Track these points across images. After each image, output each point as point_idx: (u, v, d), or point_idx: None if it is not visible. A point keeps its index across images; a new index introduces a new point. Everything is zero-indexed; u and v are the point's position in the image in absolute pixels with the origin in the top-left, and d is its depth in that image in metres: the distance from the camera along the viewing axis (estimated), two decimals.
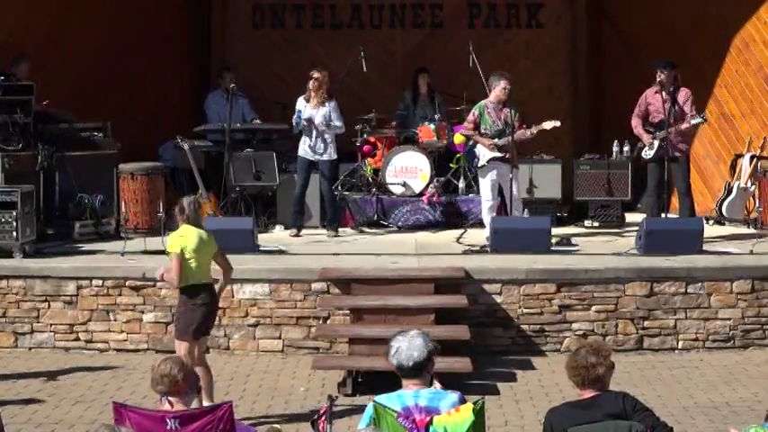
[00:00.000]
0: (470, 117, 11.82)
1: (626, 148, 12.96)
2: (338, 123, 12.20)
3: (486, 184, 11.77)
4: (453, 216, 12.99)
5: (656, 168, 11.65)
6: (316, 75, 12.17)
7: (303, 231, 12.35)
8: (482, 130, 11.71)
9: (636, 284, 10.35)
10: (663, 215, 11.79)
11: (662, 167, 11.54)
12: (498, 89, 11.57)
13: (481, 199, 11.98)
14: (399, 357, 5.48)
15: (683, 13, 13.83)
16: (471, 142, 11.96)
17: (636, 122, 11.76)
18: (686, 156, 11.89)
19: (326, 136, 12.18)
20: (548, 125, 11.55)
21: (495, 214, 11.73)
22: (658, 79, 11.53)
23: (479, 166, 11.79)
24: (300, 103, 12.25)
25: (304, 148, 12.26)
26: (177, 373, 5.65)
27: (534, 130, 11.58)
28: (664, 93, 11.51)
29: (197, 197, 8.87)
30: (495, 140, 11.55)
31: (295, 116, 12.24)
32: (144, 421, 5.63)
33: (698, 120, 11.68)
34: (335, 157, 12.40)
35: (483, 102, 11.82)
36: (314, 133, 12.15)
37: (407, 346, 5.49)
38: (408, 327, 5.78)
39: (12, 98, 11.62)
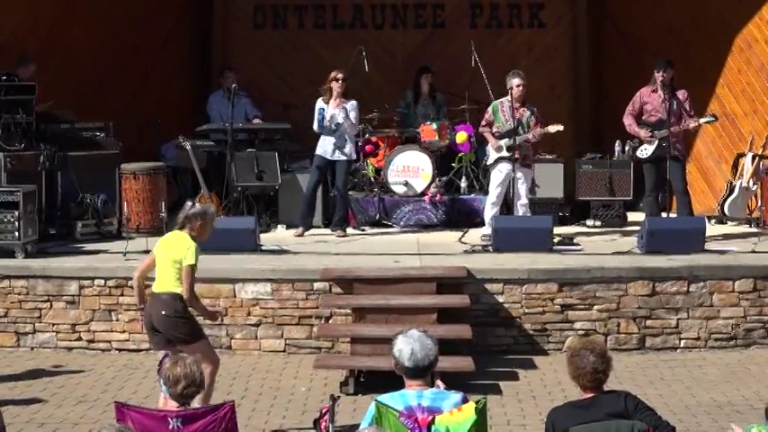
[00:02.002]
0: (485, 116, 11.88)
1: (627, 148, 12.96)
2: (356, 124, 12.25)
3: (493, 182, 11.81)
4: (455, 215, 12.99)
5: (653, 168, 11.66)
6: (341, 76, 12.15)
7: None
8: (495, 129, 11.75)
9: (638, 284, 10.35)
10: (664, 214, 11.80)
11: (658, 167, 11.56)
12: (511, 88, 11.61)
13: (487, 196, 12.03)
14: (416, 359, 5.44)
15: (685, 12, 13.84)
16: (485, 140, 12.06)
17: (630, 121, 11.75)
18: (683, 155, 11.92)
19: (347, 135, 12.17)
20: (552, 129, 11.58)
21: (496, 212, 11.73)
22: (660, 79, 11.53)
23: (488, 164, 11.87)
24: (321, 104, 12.22)
25: (324, 148, 12.20)
26: (197, 374, 5.66)
27: (535, 134, 11.59)
28: (663, 92, 11.51)
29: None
30: (500, 142, 11.59)
31: (318, 117, 12.16)
32: (146, 421, 5.64)
33: (708, 119, 11.72)
34: (355, 157, 12.43)
35: (499, 100, 11.85)
36: (338, 133, 12.13)
37: (420, 347, 5.46)
38: (409, 327, 5.73)
39: (13, 98, 11.63)
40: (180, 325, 7.72)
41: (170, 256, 7.77)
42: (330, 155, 12.18)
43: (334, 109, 12.10)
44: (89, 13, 13.70)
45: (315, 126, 12.20)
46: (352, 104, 12.18)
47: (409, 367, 5.45)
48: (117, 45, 14.11)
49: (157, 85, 14.82)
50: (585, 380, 5.54)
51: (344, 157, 12.22)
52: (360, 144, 13.22)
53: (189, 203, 8.11)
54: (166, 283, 7.76)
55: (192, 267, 7.70)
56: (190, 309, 7.86)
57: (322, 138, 12.21)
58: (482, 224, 12.21)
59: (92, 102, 13.45)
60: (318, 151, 12.26)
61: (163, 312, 7.68)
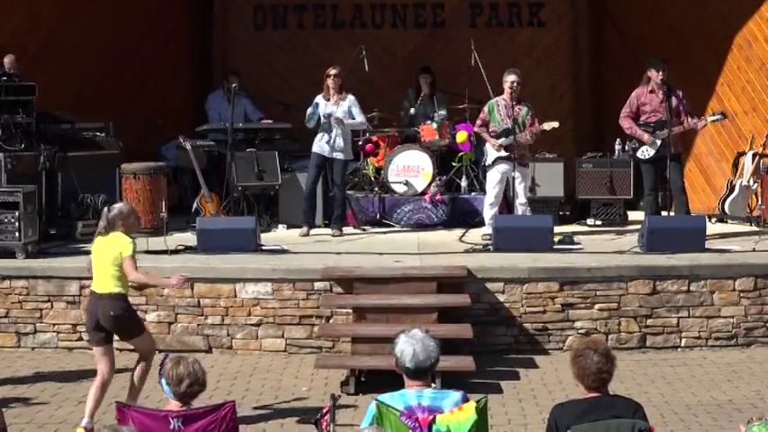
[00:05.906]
0: (481, 115, 11.89)
1: (627, 147, 12.95)
2: (360, 119, 12.23)
3: (490, 182, 11.82)
4: (456, 215, 12.99)
5: (652, 167, 11.66)
6: (333, 72, 12.16)
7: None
8: (491, 128, 11.75)
9: (639, 282, 10.34)
10: (664, 213, 11.79)
11: (657, 166, 11.55)
12: (505, 84, 11.61)
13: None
14: (417, 360, 5.42)
15: (685, 11, 13.84)
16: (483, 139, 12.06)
17: (629, 123, 11.69)
18: (681, 153, 11.92)
19: (345, 135, 12.15)
20: (547, 126, 11.58)
21: (496, 212, 11.74)
22: (660, 78, 11.49)
23: (486, 164, 11.88)
24: (319, 100, 12.22)
25: (320, 145, 12.19)
26: (200, 373, 5.67)
27: (529, 134, 11.59)
28: (660, 92, 11.48)
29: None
30: (499, 141, 11.61)
31: (310, 109, 12.15)
32: (147, 421, 5.63)
33: (716, 117, 11.71)
34: (352, 157, 12.41)
35: (494, 99, 11.84)
36: (334, 131, 12.13)
37: (422, 348, 5.43)
38: (410, 326, 5.73)
39: (14, 98, 11.63)
40: (129, 322, 8.14)
41: (108, 256, 8.06)
42: (328, 153, 12.18)
43: (332, 105, 12.11)
44: (89, 14, 13.71)
45: (306, 120, 12.22)
46: (351, 99, 12.19)
47: (410, 368, 5.44)
48: (117, 46, 14.13)
49: (157, 86, 14.82)
50: (590, 380, 5.51)
51: (341, 157, 12.21)
52: (360, 144, 13.21)
53: (105, 209, 8.33)
54: (107, 283, 8.04)
55: (132, 257, 8.05)
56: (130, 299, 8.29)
57: (319, 135, 12.20)
58: (482, 223, 12.20)
59: (92, 102, 13.46)
60: (315, 149, 12.26)
61: (111, 313, 7.99)
